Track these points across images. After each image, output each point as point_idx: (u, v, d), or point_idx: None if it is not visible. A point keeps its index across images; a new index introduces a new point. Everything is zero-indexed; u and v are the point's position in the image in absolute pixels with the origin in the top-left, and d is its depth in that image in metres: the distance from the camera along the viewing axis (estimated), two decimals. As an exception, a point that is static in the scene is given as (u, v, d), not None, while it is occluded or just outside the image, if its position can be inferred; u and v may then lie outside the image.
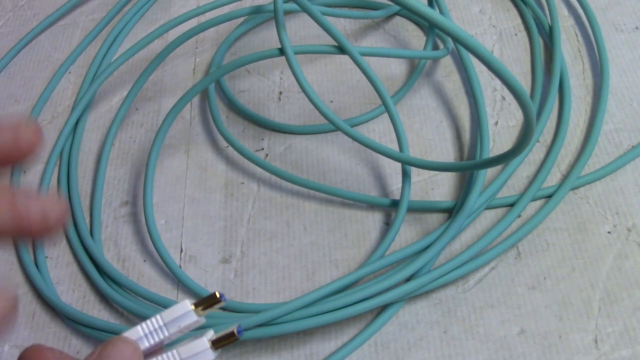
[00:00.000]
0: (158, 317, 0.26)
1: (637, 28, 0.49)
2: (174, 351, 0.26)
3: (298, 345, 0.38)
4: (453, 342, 0.37)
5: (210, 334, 0.26)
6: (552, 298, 0.38)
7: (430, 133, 0.45)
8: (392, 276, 0.37)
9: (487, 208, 0.41)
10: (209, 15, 0.47)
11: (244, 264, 0.41)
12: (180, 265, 0.41)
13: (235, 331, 0.26)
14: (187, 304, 0.26)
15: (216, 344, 0.26)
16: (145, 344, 0.26)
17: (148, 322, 0.26)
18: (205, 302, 0.26)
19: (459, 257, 0.37)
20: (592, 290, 0.38)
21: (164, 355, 0.26)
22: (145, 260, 0.42)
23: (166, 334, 0.26)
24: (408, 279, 0.38)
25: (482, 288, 0.38)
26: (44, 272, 0.41)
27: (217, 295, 0.26)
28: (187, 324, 0.26)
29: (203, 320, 0.27)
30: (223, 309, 0.39)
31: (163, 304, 0.39)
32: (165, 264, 0.40)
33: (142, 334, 0.26)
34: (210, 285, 0.40)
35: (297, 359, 0.37)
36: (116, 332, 0.38)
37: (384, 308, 0.38)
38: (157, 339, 0.26)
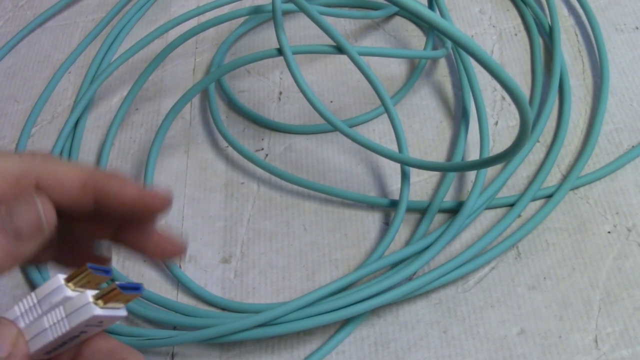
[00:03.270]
0: (33, 294, 0.24)
1: (637, 28, 0.49)
2: (60, 308, 0.24)
3: (298, 345, 0.38)
4: (453, 342, 0.37)
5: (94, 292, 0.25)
6: (552, 298, 0.38)
7: (430, 133, 0.45)
8: (392, 276, 0.37)
9: (487, 208, 0.41)
10: (209, 15, 0.46)
11: (244, 264, 0.41)
12: (180, 266, 0.41)
13: (115, 285, 0.24)
14: (58, 279, 0.24)
15: (98, 298, 0.24)
16: (21, 324, 0.24)
17: (24, 300, 0.25)
18: (78, 275, 0.24)
19: (459, 257, 0.37)
20: (592, 290, 0.38)
21: (51, 314, 0.25)
22: (145, 260, 0.42)
23: (39, 311, 0.24)
24: (408, 279, 0.38)
25: (482, 288, 0.38)
26: (44, 272, 0.41)
27: (87, 266, 0.24)
28: (59, 300, 0.24)
29: (85, 298, 0.24)
30: (223, 308, 0.39)
31: (163, 304, 0.39)
32: (165, 264, 0.40)
33: (19, 313, 0.24)
34: (210, 285, 0.40)
35: (297, 359, 0.37)
36: (116, 333, 0.38)
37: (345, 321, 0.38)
38: (32, 318, 0.24)
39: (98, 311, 0.24)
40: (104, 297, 0.25)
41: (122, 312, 0.26)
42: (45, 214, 0.24)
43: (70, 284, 0.25)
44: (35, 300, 0.25)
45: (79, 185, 0.26)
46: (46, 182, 0.25)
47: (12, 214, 0.24)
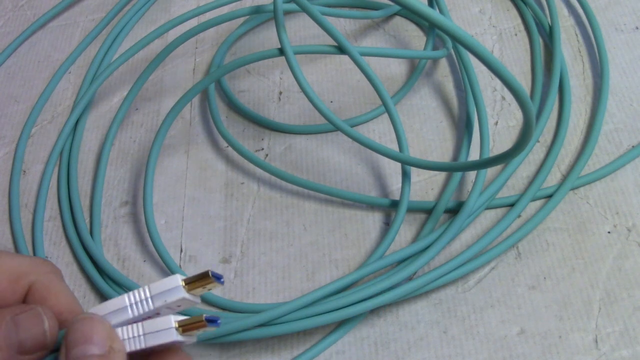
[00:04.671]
0: (146, 288, 0.25)
1: (637, 28, 0.49)
2: (139, 324, 0.25)
3: (298, 345, 0.38)
4: (453, 342, 0.37)
5: (180, 318, 0.25)
6: (552, 298, 0.38)
7: (430, 133, 0.45)
8: (392, 276, 0.37)
9: (487, 208, 0.41)
10: (209, 15, 0.46)
11: (244, 264, 0.41)
12: (180, 265, 0.41)
13: (203, 317, 0.25)
14: (177, 279, 0.25)
15: (183, 326, 0.25)
16: (129, 314, 0.25)
17: (135, 292, 0.25)
18: (198, 279, 0.25)
19: (459, 257, 0.37)
20: (592, 290, 0.38)
21: (129, 327, 0.25)
22: (145, 260, 0.42)
23: (152, 307, 0.25)
24: (408, 279, 0.38)
25: (482, 288, 0.38)
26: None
27: (209, 274, 0.25)
28: (174, 300, 0.25)
29: (196, 300, 0.25)
30: (223, 308, 0.39)
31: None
32: (165, 264, 0.40)
33: (128, 303, 0.25)
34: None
35: (297, 359, 0.38)
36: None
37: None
38: (141, 311, 0.25)
39: (177, 337, 0.25)
40: (186, 326, 0.25)
41: (193, 339, 0.26)
42: (49, 330, 0.24)
43: (186, 286, 0.25)
44: (148, 295, 0.25)
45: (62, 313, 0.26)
46: (40, 294, 0.26)
47: (18, 327, 0.24)
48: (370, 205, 0.42)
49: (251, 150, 0.46)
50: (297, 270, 0.41)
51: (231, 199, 0.44)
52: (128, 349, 0.24)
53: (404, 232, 0.41)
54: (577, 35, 0.49)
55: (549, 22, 0.49)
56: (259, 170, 0.45)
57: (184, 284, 0.25)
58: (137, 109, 0.49)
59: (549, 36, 0.48)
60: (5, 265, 0.26)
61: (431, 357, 0.37)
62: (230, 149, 0.46)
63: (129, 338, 0.25)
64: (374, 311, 0.38)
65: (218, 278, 0.25)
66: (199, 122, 0.48)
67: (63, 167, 0.46)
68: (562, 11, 0.51)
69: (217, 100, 0.48)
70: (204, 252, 0.42)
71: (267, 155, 0.45)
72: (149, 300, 0.25)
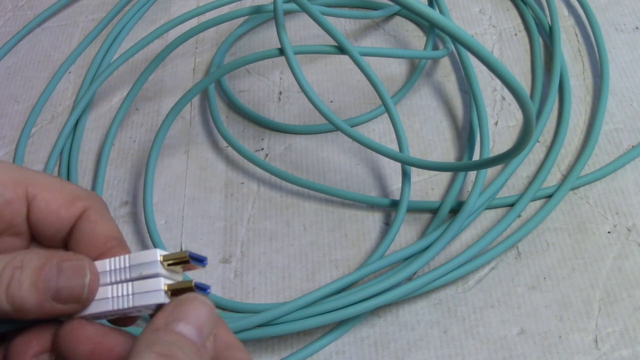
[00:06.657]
0: (127, 257, 0.25)
1: (637, 28, 0.49)
2: (129, 284, 0.25)
3: (298, 345, 0.38)
4: (453, 342, 0.37)
5: (170, 282, 0.25)
6: (552, 298, 0.38)
7: (430, 133, 0.45)
8: (392, 276, 0.37)
9: (487, 208, 0.41)
10: (209, 15, 0.46)
11: (244, 264, 0.41)
12: (180, 265, 0.41)
13: (193, 283, 0.24)
14: (155, 254, 0.25)
15: (172, 289, 0.25)
16: (107, 279, 0.25)
17: (117, 259, 0.25)
18: (177, 258, 0.25)
19: (459, 257, 0.37)
20: (592, 290, 0.38)
21: (119, 286, 0.25)
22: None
23: (128, 277, 0.25)
24: (408, 279, 0.38)
25: (482, 288, 0.38)
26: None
27: (186, 254, 0.25)
28: (149, 274, 0.25)
29: (176, 278, 0.25)
30: (223, 308, 0.39)
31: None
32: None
33: (108, 268, 0.25)
34: (210, 285, 0.40)
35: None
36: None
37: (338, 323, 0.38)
38: (119, 278, 0.25)
39: (165, 299, 0.24)
40: (175, 291, 0.25)
41: None
42: (89, 285, 0.24)
43: (164, 262, 0.25)
44: (127, 264, 0.25)
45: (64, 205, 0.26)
46: (93, 218, 0.26)
47: (60, 273, 0.24)
48: (370, 205, 0.42)
49: (251, 150, 0.46)
50: (297, 270, 0.41)
51: (231, 199, 0.44)
52: (114, 307, 0.24)
53: (404, 232, 0.41)
54: (577, 35, 0.49)
55: (549, 22, 0.49)
56: (259, 170, 0.45)
57: (162, 260, 0.25)
58: (137, 109, 0.49)
59: (549, 36, 0.48)
60: (65, 186, 0.27)
61: (431, 357, 0.37)
62: (230, 149, 0.46)
63: (116, 297, 0.25)
64: (374, 311, 0.38)
65: (200, 260, 0.25)
66: (199, 122, 0.48)
67: (63, 167, 0.46)
68: (562, 11, 0.51)
69: (217, 100, 0.48)
70: (204, 252, 0.42)
71: (267, 155, 0.45)
72: (127, 269, 0.25)
